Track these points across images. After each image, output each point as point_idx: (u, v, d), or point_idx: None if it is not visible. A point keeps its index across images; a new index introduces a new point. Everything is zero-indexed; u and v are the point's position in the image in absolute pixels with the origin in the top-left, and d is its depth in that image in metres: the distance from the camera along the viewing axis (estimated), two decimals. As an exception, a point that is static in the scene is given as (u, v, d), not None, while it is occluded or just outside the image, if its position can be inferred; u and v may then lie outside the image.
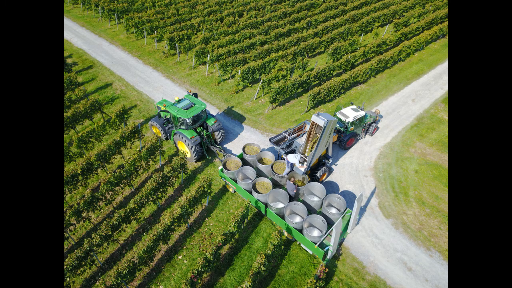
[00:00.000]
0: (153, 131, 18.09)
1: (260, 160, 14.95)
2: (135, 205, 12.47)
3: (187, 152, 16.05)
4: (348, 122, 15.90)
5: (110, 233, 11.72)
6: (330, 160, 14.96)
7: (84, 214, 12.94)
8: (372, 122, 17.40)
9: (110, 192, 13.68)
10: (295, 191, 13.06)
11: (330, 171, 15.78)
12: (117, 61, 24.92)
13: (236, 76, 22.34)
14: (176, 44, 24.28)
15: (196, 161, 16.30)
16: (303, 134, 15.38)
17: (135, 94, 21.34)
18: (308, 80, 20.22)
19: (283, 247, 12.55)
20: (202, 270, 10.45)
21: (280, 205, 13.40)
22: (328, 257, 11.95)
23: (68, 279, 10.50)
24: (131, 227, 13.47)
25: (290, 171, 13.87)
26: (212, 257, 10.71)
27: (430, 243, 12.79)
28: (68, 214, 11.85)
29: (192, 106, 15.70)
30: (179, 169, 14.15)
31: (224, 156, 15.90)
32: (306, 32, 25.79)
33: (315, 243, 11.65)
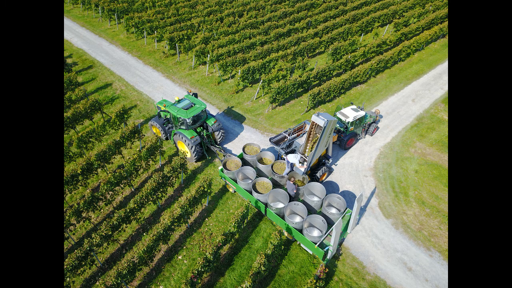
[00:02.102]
0: (153, 131, 18.09)
1: (260, 160, 14.95)
2: (135, 205, 12.47)
3: (187, 152, 16.05)
4: (348, 122, 15.90)
5: (110, 233, 11.72)
6: (330, 160, 14.96)
7: (84, 214, 12.94)
8: (372, 122, 17.41)
9: (110, 192, 13.69)
10: (295, 191, 13.05)
11: (330, 171, 15.78)
12: (117, 61, 24.92)
13: (236, 76, 22.34)
14: (176, 44, 24.28)
15: (196, 161, 16.30)
16: (303, 134, 15.38)
17: (135, 94, 21.34)
18: (308, 80, 20.21)
19: (283, 247, 12.55)
20: (202, 270, 10.45)
21: (280, 205, 13.39)
22: (328, 257, 11.95)
23: (68, 279, 10.50)
24: (131, 227, 13.47)
25: (290, 171, 13.87)
26: (212, 257, 10.71)
27: (430, 243, 12.79)
28: (68, 214, 11.85)
29: (192, 106, 15.70)
30: (179, 169, 14.15)
31: (224, 156, 15.90)
32: (306, 32, 25.78)
33: (315, 243, 11.64)
